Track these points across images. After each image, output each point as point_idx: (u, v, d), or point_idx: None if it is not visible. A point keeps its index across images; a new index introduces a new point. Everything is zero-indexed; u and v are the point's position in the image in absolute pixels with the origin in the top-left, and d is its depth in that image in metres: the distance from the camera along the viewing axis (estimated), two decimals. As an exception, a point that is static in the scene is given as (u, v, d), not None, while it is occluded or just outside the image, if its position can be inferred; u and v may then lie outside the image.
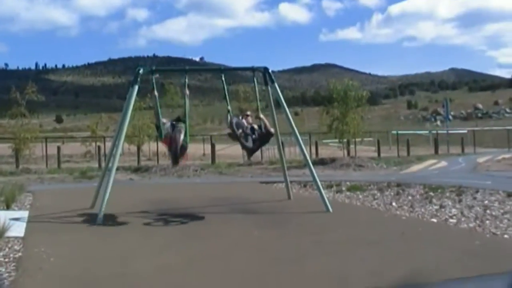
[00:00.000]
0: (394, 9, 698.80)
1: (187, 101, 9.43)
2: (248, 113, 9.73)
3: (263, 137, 9.23)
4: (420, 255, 5.72)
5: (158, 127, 9.06)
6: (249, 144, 9.03)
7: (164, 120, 9.07)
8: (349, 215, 9.03)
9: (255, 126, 9.22)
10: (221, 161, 24.34)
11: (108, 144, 20.51)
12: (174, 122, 9.11)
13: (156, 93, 9.34)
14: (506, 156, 26.08)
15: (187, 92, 9.50)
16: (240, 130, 8.99)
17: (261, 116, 9.34)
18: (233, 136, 9.20)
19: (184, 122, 9.09)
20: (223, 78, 9.61)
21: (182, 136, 8.76)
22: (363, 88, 29.18)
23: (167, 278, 5.03)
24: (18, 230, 7.42)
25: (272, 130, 9.36)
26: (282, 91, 10.04)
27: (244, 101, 26.40)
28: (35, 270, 5.21)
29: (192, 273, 5.20)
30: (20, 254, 6.02)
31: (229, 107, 9.38)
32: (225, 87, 9.59)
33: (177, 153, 8.75)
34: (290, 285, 4.81)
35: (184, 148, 8.77)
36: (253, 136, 9.03)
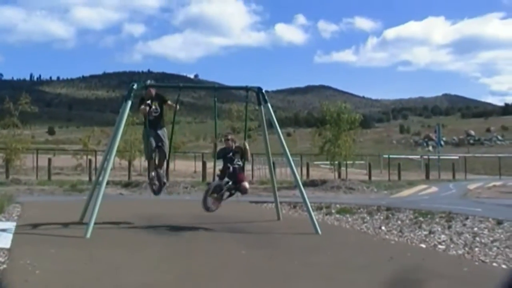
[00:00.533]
0: (390, 33, 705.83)
1: (177, 106, 9.62)
2: (229, 137, 9.58)
3: (237, 190, 9.32)
4: (408, 280, 5.72)
5: (145, 118, 9.48)
6: (227, 181, 9.20)
7: (148, 102, 9.40)
8: (338, 237, 9.01)
9: (237, 165, 9.26)
10: (212, 179, 24.19)
11: (99, 158, 20.44)
12: (158, 131, 9.56)
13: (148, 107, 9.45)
14: (497, 183, 26.23)
15: (177, 107, 9.65)
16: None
17: (246, 145, 9.39)
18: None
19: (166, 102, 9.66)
20: (215, 101, 9.78)
21: (164, 177, 9.60)
22: (356, 111, 29.36)
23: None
24: (4, 241, 7.34)
25: (248, 187, 9.35)
26: (275, 111, 10.05)
27: (237, 119, 26.41)
28: (21, 282, 5.15)
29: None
30: (4, 266, 5.95)
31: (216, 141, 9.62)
32: (216, 112, 9.71)
33: (159, 193, 9.79)
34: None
35: (164, 184, 9.72)
36: (230, 182, 9.18)
